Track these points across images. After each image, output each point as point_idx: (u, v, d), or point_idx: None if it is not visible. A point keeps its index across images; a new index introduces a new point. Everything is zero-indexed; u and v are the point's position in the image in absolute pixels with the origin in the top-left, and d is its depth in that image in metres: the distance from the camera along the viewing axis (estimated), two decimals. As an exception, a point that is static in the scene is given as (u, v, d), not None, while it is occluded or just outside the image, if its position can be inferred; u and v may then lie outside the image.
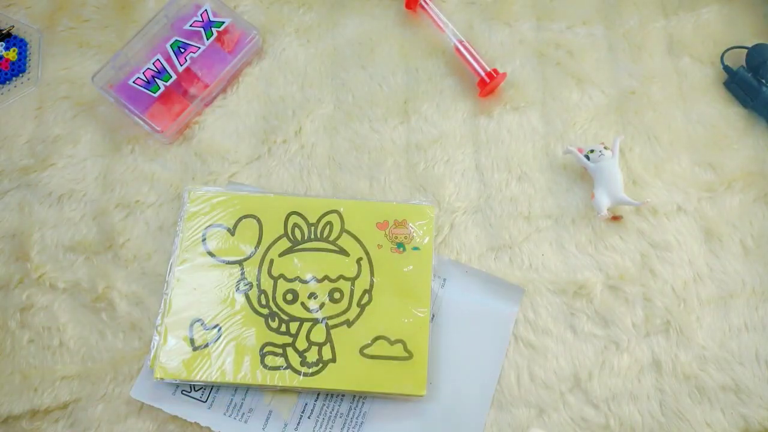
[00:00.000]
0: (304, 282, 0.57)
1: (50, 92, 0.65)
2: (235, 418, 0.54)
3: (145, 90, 0.62)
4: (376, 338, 0.55)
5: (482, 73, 0.64)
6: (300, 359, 0.54)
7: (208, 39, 0.64)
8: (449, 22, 0.66)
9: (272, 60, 0.67)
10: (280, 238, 0.59)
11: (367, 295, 0.57)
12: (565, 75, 0.66)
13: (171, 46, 0.64)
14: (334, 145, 0.64)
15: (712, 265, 0.60)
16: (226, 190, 0.60)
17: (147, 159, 0.63)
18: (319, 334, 0.55)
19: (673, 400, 0.56)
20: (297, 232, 0.59)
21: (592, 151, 0.61)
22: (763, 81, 0.63)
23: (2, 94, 0.64)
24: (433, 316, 0.57)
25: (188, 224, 0.59)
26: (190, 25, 0.65)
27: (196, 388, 0.55)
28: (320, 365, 0.54)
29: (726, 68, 0.66)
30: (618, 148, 0.61)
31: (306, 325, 0.56)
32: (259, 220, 0.59)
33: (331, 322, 0.56)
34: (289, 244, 0.59)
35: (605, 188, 0.59)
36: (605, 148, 0.60)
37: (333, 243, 0.59)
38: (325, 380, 0.54)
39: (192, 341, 0.55)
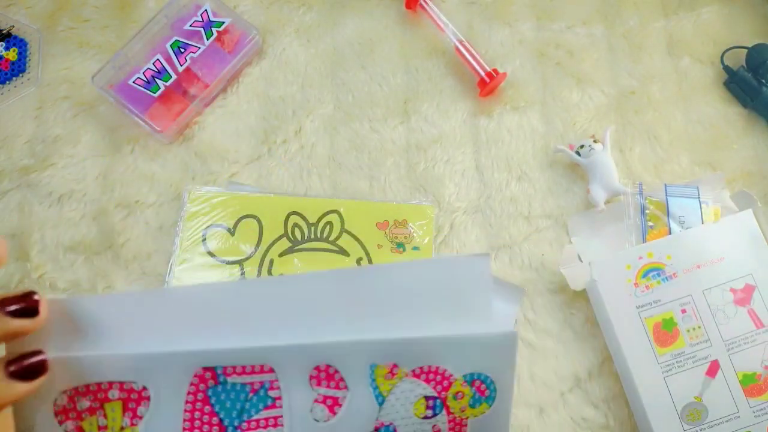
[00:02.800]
0: (304, 282, 0.57)
1: (50, 92, 0.65)
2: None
3: (145, 90, 0.62)
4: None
5: (482, 73, 0.64)
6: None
7: (208, 39, 0.64)
8: (449, 22, 0.66)
9: (272, 60, 0.67)
10: (280, 238, 0.59)
11: (367, 295, 0.57)
12: (565, 75, 0.67)
13: (171, 46, 0.64)
14: (334, 145, 0.64)
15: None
16: (226, 190, 0.60)
17: (147, 159, 0.63)
18: (319, 335, 0.55)
19: (673, 400, 0.56)
20: (297, 232, 0.59)
21: (582, 146, 0.61)
22: (763, 81, 0.63)
23: (2, 94, 0.64)
24: (433, 316, 0.57)
25: (188, 224, 0.59)
26: (190, 25, 0.65)
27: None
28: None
29: (726, 68, 0.66)
30: (609, 140, 0.61)
31: (306, 326, 0.56)
32: (259, 220, 0.59)
33: (331, 323, 0.56)
34: (289, 244, 0.59)
35: (599, 181, 0.60)
36: (595, 141, 0.61)
37: (333, 243, 0.59)
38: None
39: (192, 342, 0.54)
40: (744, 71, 0.65)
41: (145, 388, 0.26)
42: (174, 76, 0.63)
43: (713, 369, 0.53)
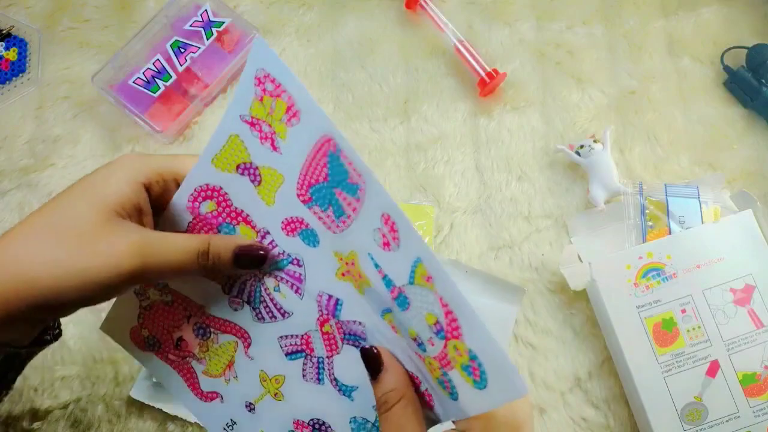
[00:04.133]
0: (304, 282, 0.57)
1: (50, 92, 0.65)
2: (235, 418, 0.54)
3: (145, 90, 0.62)
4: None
5: (482, 73, 0.64)
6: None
7: (208, 39, 0.64)
8: (449, 22, 0.66)
9: (272, 60, 0.67)
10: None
11: (367, 294, 0.57)
12: (565, 75, 0.66)
13: (171, 46, 0.64)
14: (334, 145, 0.64)
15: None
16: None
17: (147, 159, 0.63)
18: (319, 335, 0.55)
19: (673, 400, 0.56)
20: (297, 232, 0.59)
21: (582, 146, 0.61)
22: (763, 81, 0.63)
23: (2, 94, 0.64)
24: (433, 316, 0.57)
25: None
26: (190, 25, 0.65)
27: (196, 388, 0.55)
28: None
29: (726, 68, 0.66)
30: (609, 140, 0.61)
31: (306, 325, 0.56)
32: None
33: (331, 322, 0.56)
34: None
35: (600, 181, 0.60)
36: (595, 141, 0.61)
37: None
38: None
39: (192, 341, 0.54)
40: (744, 71, 0.65)
41: (300, 111, 0.34)
42: (174, 76, 0.63)
43: (713, 369, 0.53)
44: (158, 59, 0.63)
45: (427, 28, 0.68)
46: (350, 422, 0.42)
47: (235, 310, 0.43)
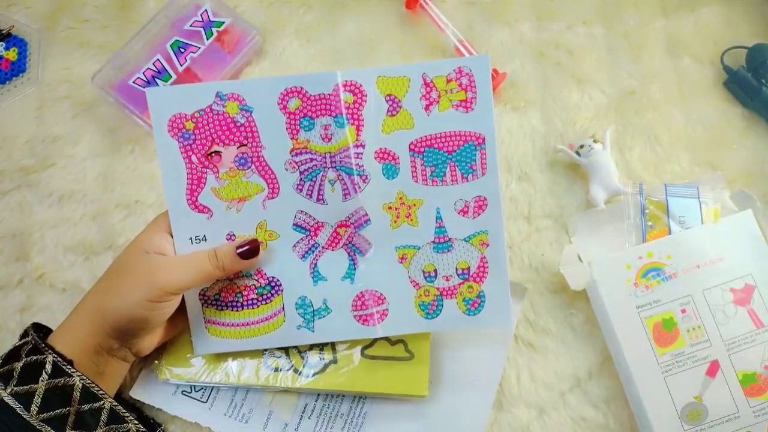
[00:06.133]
0: (305, 282, 0.58)
1: (50, 92, 0.65)
2: (235, 419, 0.54)
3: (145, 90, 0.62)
4: (377, 338, 0.55)
5: (482, 73, 0.64)
6: (301, 360, 0.54)
7: (208, 39, 0.64)
8: (449, 22, 0.66)
9: (272, 60, 0.67)
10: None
11: (367, 295, 0.58)
12: (565, 75, 0.66)
13: (171, 46, 0.64)
14: (334, 145, 0.64)
15: (712, 265, 0.60)
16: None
17: (147, 159, 0.63)
18: (319, 335, 0.56)
19: (673, 400, 0.56)
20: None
21: (581, 146, 0.61)
22: (763, 81, 0.63)
23: (2, 94, 0.64)
24: (434, 316, 0.57)
25: (188, 224, 0.59)
26: (190, 25, 0.65)
27: (197, 389, 0.55)
28: (321, 366, 0.54)
29: (726, 68, 0.66)
30: (608, 140, 0.61)
31: (306, 325, 0.56)
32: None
33: (331, 322, 0.56)
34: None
35: (600, 181, 0.60)
36: (595, 141, 0.61)
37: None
38: (327, 381, 0.54)
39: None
40: (744, 71, 0.65)
41: (473, 111, 0.49)
42: (174, 76, 0.63)
43: (713, 369, 0.53)
44: (158, 59, 0.63)
45: (427, 28, 0.68)
46: (299, 297, 0.51)
47: (286, 170, 0.50)
